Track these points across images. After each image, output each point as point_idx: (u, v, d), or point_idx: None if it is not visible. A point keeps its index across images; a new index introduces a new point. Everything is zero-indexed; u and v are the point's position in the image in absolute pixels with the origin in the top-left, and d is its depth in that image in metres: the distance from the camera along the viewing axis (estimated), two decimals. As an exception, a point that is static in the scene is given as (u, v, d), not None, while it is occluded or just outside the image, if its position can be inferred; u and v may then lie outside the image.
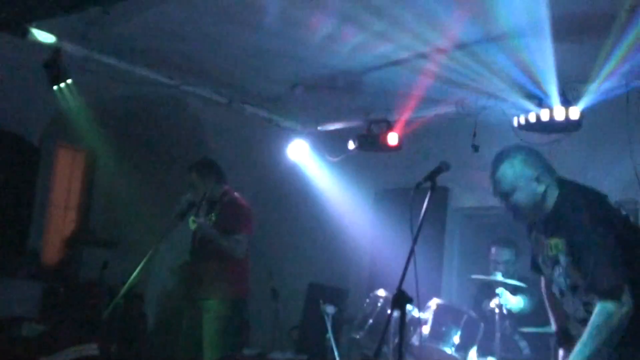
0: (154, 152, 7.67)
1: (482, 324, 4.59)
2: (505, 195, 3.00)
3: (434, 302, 4.67)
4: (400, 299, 2.84)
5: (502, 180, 3.02)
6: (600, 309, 2.65)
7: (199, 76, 6.08)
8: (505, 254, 5.07)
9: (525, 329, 4.70)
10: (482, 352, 4.53)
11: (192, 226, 4.88)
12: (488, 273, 4.91)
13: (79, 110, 5.96)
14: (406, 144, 6.33)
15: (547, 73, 5.14)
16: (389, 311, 3.05)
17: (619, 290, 2.63)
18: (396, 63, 5.40)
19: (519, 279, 4.88)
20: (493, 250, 5.14)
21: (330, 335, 5.15)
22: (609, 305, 2.64)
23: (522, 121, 5.48)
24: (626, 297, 2.63)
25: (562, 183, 2.96)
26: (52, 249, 7.39)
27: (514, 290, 4.78)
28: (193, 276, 5.00)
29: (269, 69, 5.78)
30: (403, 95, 5.82)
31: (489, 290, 4.93)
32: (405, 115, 6.14)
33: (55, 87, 5.50)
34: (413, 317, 4.47)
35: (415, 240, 2.98)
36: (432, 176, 3.18)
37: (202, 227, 4.87)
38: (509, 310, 4.73)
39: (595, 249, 2.69)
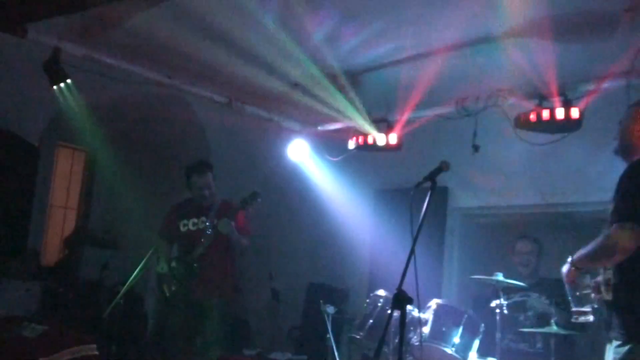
0: (153, 152, 7.67)
1: (482, 324, 4.60)
2: (621, 119, 3.23)
3: (434, 302, 4.67)
4: (400, 299, 2.84)
5: (624, 112, 3.24)
6: (616, 230, 2.86)
7: (199, 76, 6.07)
8: (526, 246, 5.24)
9: (525, 329, 4.71)
10: (482, 352, 4.53)
11: (225, 229, 4.90)
12: (488, 272, 4.91)
13: (79, 110, 5.95)
14: (406, 144, 6.33)
15: (547, 73, 5.14)
16: (389, 311, 3.05)
17: (625, 221, 2.82)
18: (396, 63, 5.40)
19: (539, 280, 5.03)
20: (517, 244, 5.30)
21: (330, 335, 5.15)
22: (613, 229, 2.86)
23: (522, 121, 5.49)
24: (629, 235, 2.81)
25: None
26: (52, 249, 7.39)
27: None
28: (192, 277, 5.01)
29: (269, 69, 5.78)
30: (403, 95, 5.82)
31: (507, 289, 4.97)
32: (405, 115, 6.14)
33: (55, 87, 5.50)
34: (413, 317, 4.47)
35: (415, 240, 2.98)
36: (432, 176, 3.19)
37: (233, 230, 4.95)
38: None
39: (630, 197, 2.89)
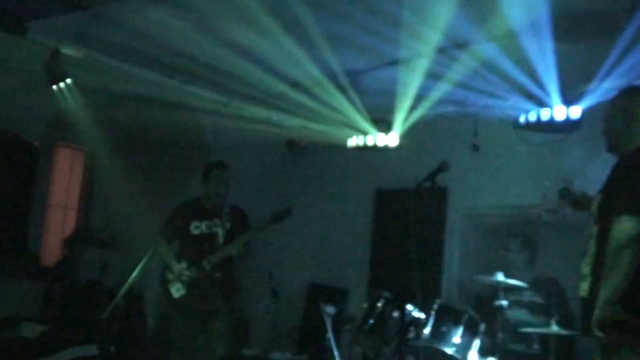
0: (153, 152, 7.67)
1: (482, 324, 4.59)
2: (604, 116, 3.13)
3: (434, 302, 4.67)
4: (400, 299, 2.85)
5: (610, 102, 3.15)
6: (614, 226, 2.74)
7: (199, 76, 6.08)
8: (511, 243, 5.33)
9: (525, 330, 4.71)
10: (482, 352, 4.53)
11: (240, 254, 5.04)
12: (488, 272, 4.92)
13: (79, 110, 5.95)
14: (406, 144, 6.33)
15: (547, 73, 5.14)
16: (389, 311, 3.05)
17: (633, 209, 2.70)
18: (396, 63, 5.40)
19: (534, 278, 4.97)
20: (509, 243, 5.42)
21: (330, 335, 5.15)
22: (624, 218, 2.72)
23: (523, 121, 5.49)
24: (631, 224, 2.68)
25: None
26: (52, 249, 7.38)
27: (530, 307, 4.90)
28: (206, 282, 5.06)
29: (269, 69, 5.78)
30: (403, 95, 5.82)
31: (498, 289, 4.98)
32: (406, 115, 6.14)
33: (55, 87, 5.50)
34: (413, 317, 4.47)
35: (415, 241, 2.99)
36: (432, 176, 3.20)
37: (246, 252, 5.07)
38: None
39: (629, 185, 2.78)
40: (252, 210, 5.43)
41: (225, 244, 5.05)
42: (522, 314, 4.78)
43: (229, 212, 5.15)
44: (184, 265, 5.04)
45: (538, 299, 4.96)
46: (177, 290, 5.04)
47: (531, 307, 4.92)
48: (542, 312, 4.83)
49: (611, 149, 3.13)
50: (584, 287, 2.93)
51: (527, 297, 4.97)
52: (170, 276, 5.08)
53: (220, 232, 5.09)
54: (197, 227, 5.16)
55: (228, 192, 5.20)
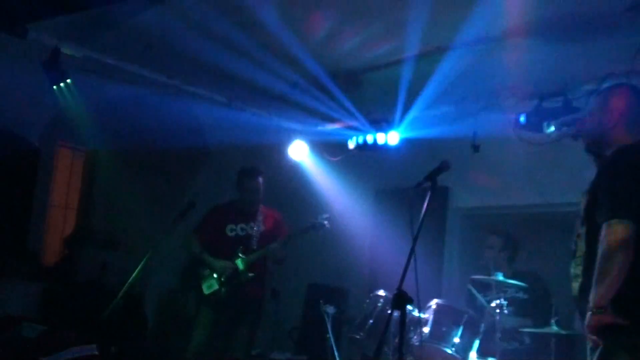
0: (153, 152, 7.66)
1: (482, 324, 4.60)
2: (587, 113, 3.07)
3: (434, 302, 4.67)
4: (400, 299, 2.85)
5: (592, 99, 3.11)
6: (603, 231, 2.70)
7: (199, 76, 6.07)
8: (492, 240, 5.23)
9: (524, 329, 4.71)
10: (482, 352, 4.53)
11: (280, 255, 5.26)
12: (488, 272, 4.92)
13: (79, 110, 5.95)
14: (406, 143, 6.33)
15: (546, 73, 5.14)
16: (389, 311, 3.05)
17: (622, 213, 2.66)
18: (396, 63, 5.40)
19: (513, 273, 4.96)
20: (487, 240, 5.31)
21: (330, 335, 5.16)
22: (613, 222, 2.67)
23: (523, 121, 5.49)
24: (621, 228, 2.65)
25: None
26: (52, 249, 7.37)
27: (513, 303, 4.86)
28: (240, 282, 5.17)
29: (269, 68, 5.78)
30: (403, 95, 5.82)
31: (482, 286, 4.99)
32: (406, 115, 6.14)
33: (55, 87, 5.50)
34: (413, 317, 4.47)
35: (415, 240, 2.99)
36: (432, 176, 3.20)
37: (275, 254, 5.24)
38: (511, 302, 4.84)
39: (616, 189, 2.74)
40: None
41: (258, 246, 5.13)
42: (512, 319, 4.76)
43: (263, 215, 5.32)
44: (223, 264, 5.18)
45: (521, 295, 4.96)
46: (208, 287, 5.18)
47: (514, 303, 4.91)
48: (525, 309, 4.84)
49: (592, 146, 3.04)
50: (575, 287, 2.91)
51: (511, 293, 4.96)
52: (205, 272, 5.21)
53: (254, 234, 5.22)
54: (232, 230, 5.31)
55: (261, 197, 5.35)
